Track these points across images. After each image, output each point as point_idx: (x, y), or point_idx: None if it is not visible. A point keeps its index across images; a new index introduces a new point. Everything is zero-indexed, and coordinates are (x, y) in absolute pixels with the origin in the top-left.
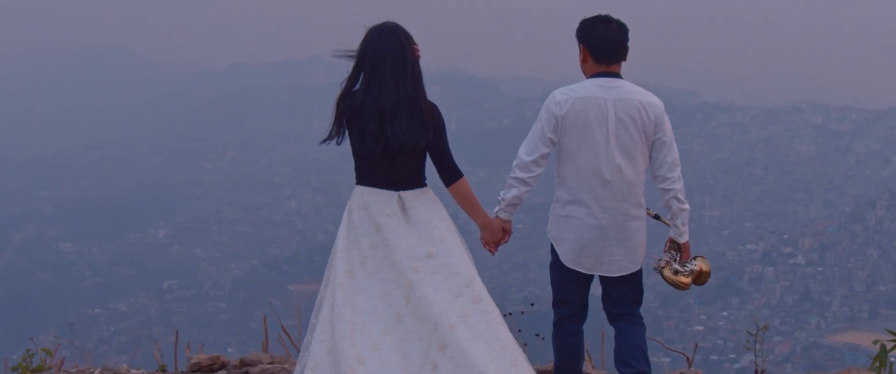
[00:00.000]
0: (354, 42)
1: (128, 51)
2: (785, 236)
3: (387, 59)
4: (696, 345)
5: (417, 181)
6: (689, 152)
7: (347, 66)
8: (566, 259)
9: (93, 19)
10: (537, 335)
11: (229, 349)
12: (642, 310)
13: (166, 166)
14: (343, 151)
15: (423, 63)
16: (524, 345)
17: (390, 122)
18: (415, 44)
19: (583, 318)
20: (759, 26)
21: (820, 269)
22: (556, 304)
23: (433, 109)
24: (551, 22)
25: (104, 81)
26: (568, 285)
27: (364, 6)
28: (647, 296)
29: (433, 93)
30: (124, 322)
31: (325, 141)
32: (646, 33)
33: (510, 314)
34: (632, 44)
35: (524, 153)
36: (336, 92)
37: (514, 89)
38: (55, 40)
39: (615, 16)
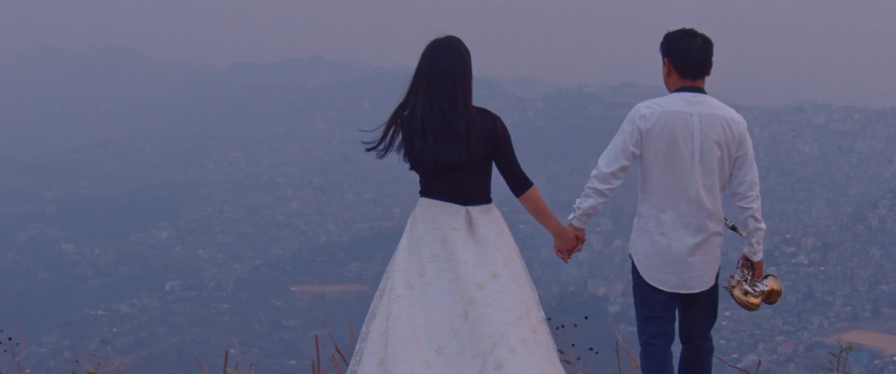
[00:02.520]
0: (355, 44)
1: (131, 50)
2: (787, 236)
3: (434, 75)
4: (759, 362)
5: (483, 197)
6: None
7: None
8: (648, 276)
9: (97, 18)
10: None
11: (231, 351)
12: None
13: (169, 166)
14: (345, 152)
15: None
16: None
17: (425, 138)
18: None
19: (672, 336)
20: (762, 26)
21: (822, 268)
22: (645, 322)
23: (484, 124)
24: (554, 22)
25: (108, 80)
26: (654, 301)
27: (367, 6)
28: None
29: None
30: (127, 323)
31: (369, 149)
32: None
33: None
34: (633, 45)
35: (604, 165)
36: (340, 92)
37: (516, 89)
38: (59, 39)
39: (615, 14)
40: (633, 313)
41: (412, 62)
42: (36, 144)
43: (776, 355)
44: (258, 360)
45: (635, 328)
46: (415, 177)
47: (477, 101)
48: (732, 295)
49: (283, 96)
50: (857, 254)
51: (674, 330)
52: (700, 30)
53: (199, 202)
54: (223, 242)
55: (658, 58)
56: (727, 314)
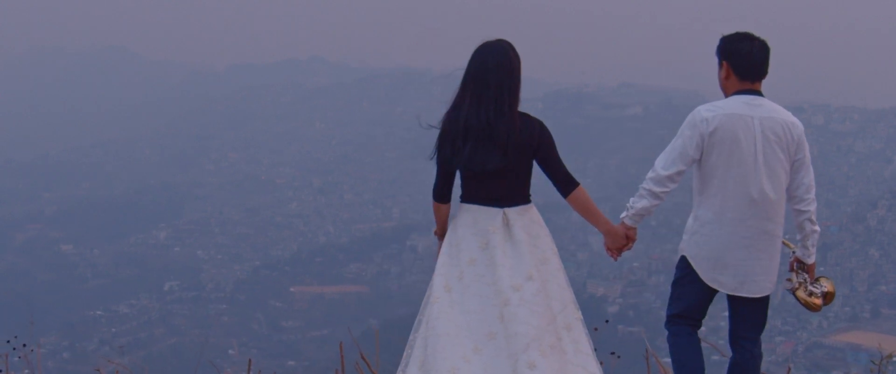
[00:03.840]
0: (354, 44)
1: (130, 51)
2: (786, 236)
3: (481, 78)
4: (789, 368)
5: (521, 198)
6: None
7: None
8: (707, 277)
9: (96, 19)
10: None
11: (230, 352)
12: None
13: (168, 167)
14: (344, 153)
15: (426, 65)
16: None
17: (465, 142)
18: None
19: (697, 329)
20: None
21: (822, 268)
22: (675, 318)
23: (525, 130)
24: (553, 22)
25: (107, 81)
26: (695, 302)
27: (366, 6)
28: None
29: (435, 94)
30: (126, 324)
31: (432, 157)
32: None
33: None
34: (631, 45)
35: (661, 167)
36: (339, 92)
37: None
38: (58, 40)
39: (615, 14)
40: (631, 313)
41: (411, 62)
42: (35, 145)
43: (775, 355)
44: (257, 361)
45: (634, 329)
46: (414, 178)
47: None
48: (796, 297)
49: (282, 97)
50: (856, 254)
51: (700, 326)
52: (694, 30)
53: (198, 203)
54: (222, 243)
55: (656, 55)
56: (725, 313)
